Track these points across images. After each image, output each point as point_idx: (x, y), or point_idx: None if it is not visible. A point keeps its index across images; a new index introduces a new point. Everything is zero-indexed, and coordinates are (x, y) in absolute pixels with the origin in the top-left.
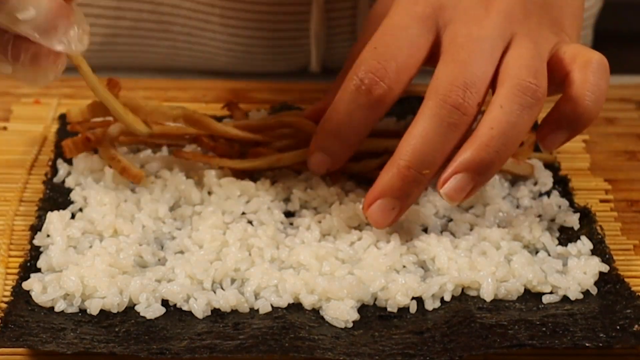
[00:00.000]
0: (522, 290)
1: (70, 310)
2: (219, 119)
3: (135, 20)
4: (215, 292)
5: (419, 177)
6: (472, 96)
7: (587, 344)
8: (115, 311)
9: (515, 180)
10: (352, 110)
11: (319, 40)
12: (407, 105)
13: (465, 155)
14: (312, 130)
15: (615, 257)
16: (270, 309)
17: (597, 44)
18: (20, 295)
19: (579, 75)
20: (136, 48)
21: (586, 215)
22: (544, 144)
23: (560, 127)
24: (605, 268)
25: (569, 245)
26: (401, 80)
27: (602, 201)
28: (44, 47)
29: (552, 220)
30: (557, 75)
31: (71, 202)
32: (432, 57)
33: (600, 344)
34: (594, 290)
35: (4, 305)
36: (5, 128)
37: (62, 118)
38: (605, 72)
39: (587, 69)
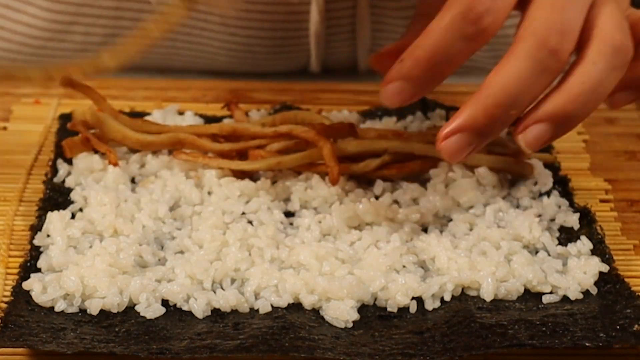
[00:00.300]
0: (522, 290)
1: (70, 310)
2: (219, 119)
3: (135, 20)
4: (215, 292)
5: (505, 117)
6: (568, 43)
7: (587, 344)
8: (115, 311)
9: (515, 180)
10: (453, 39)
11: (319, 40)
12: (408, 105)
13: (553, 104)
14: (311, 138)
15: (615, 257)
16: (270, 309)
17: None
18: (20, 295)
19: None
20: None
21: (586, 215)
22: (612, 101)
23: (629, 87)
24: (605, 268)
25: (569, 245)
26: (505, 11)
27: (602, 201)
28: None
29: (552, 220)
30: (632, 39)
31: (71, 202)
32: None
33: (600, 344)
34: (594, 290)
35: (4, 305)
36: (5, 128)
37: (62, 118)
38: None
39: None
